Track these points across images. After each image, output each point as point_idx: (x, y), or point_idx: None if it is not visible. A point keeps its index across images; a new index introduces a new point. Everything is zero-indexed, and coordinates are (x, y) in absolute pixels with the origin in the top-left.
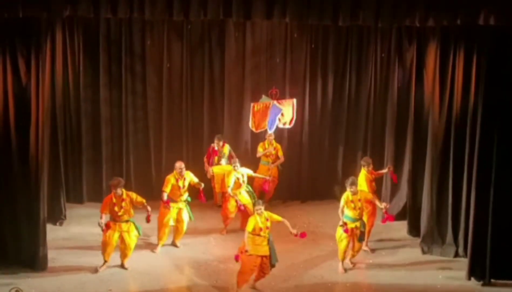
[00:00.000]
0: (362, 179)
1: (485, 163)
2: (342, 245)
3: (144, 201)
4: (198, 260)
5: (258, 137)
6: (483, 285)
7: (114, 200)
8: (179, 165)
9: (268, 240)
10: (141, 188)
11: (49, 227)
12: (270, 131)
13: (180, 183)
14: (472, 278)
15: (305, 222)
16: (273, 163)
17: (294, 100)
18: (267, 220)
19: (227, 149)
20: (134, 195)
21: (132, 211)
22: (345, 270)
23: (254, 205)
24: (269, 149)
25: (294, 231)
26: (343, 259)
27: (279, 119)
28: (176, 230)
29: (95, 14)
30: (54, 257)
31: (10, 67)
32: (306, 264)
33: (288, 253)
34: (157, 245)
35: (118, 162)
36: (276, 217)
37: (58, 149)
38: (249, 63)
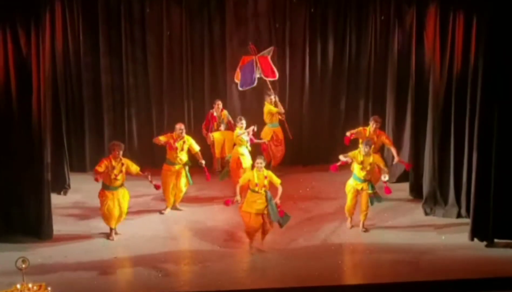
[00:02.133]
0: (358, 130)
1: (487, 123)
2: (348, 197)
3: (138, 169)
4: (202, 225)
5: (261, 102)
6: (486, 245)
7: (113, 163)
8: (179, 126)
9: (266, 198)
10: (143, 155)
11: (53, 196)
12: (241, 89)
13: (178, 145)
14: (475, 239)
15: (308, 186)
16: (279, 124)
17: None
18: (265, 177)
19: (225, 115)
20: (129, 162)
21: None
22: (352, 226)
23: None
24: (279, 109)
25: (278, 202)
26: (350, 215)
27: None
28: (174, 194)
29: None
30: (59, 225)
31: (10, 37)
32: (310, 227)
33: (292, 217)
34: (165, 207)
35: (120, 130)
36: (276, 179)
37: (61, 118)
38: (249, 29)
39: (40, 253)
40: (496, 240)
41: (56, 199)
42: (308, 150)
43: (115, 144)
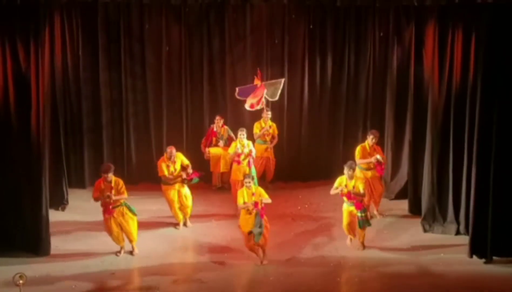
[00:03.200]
0: (359, 149)
1: (486, 139)
2: (343, 216)
3: (126, 194)
4: (200, 241)
5: (258, 118)
6: (485, 262)
7: (102, 186)
8: (170, 150)
9: (256, 214)
10: (142, 170)
11: (51, 212)
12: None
13: (171, 168)
14: (474, 256)
15: (306, 202)
16: (270, 142)
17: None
18: (253, 194)
19: (226, 131)
20: (121, 183)
21: (126, 194)
22: (351, 243)
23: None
24: (265, 127)
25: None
26: (348, 233)
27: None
28: (182, 209)
29: None
30: (57, 241)
31: (9, 52)
32: (309, 243)
33: (290, 232)
34: (177, 223)
35: (119, 145)
36: (265, 195)
37: (59, 133)
38: (248, 44)
39: (37, 269)
40: (494, 257)
41: (54, 215)
42: (307, 166)
43: (103, 169)
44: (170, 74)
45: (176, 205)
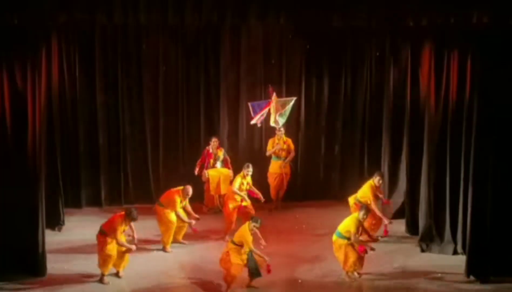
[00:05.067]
0: (367, 187)
1: (482, 159)
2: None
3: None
4: (194, 263)
5: (254, 138)
6: (482, 282)
7: (123, 227)
8: (188, 189)
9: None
10: (139, 191)
11: (48, 233)
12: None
13: (184, 203)
14: (471, 276)
15: (303, 222)
16: (285, 158)
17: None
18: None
19: (222, 152)
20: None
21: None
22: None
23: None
24: (279, 144)
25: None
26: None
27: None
28: (178, 230)
29: (91, 20)
30: (52, 262)
31: (6, 73)
32: (305, 264)
33: (285, 252)
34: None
35: (116, 166)
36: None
37: (56, 154)
38: (244, 65)
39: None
40: (492, 277)
41: (50, 235)
42: (304, 186)
43: (130, 214)
44: (167, 95)
45: (174, 227)
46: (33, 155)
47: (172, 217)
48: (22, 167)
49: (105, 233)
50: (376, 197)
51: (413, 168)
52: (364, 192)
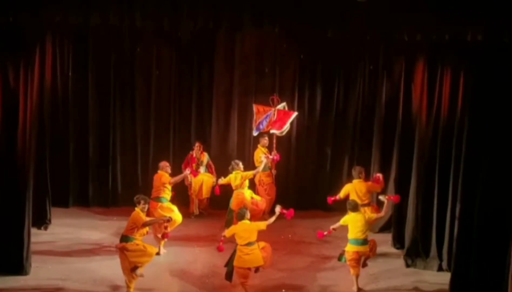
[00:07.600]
0: (363, 187)
1: (471, 177)
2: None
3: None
4: (181, 267)
5: (245, 145)
6: None
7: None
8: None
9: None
10: (127, 193)
11: (33, 231)
12: (254, 134)
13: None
14: None
15: (290, 232)
16: (272, 168)
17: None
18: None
19: (206, 157)
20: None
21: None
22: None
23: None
24: (273, 154)
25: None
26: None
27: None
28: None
29: (85, 22)
30: (38, 261)
31: None
32: (289, 276)
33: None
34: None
35: (105, 166)
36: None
37: (45, 153)
38: (237, 72)
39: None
40: None
41: (35, 234)
42: (294, 197)
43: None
44: (159, 99)
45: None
46: (23, 153)
47: (170, 208)
48: (11, 165)
49: (127, 237)
50: (374, 189)
51: (402, 182)
52: (362, 193)
